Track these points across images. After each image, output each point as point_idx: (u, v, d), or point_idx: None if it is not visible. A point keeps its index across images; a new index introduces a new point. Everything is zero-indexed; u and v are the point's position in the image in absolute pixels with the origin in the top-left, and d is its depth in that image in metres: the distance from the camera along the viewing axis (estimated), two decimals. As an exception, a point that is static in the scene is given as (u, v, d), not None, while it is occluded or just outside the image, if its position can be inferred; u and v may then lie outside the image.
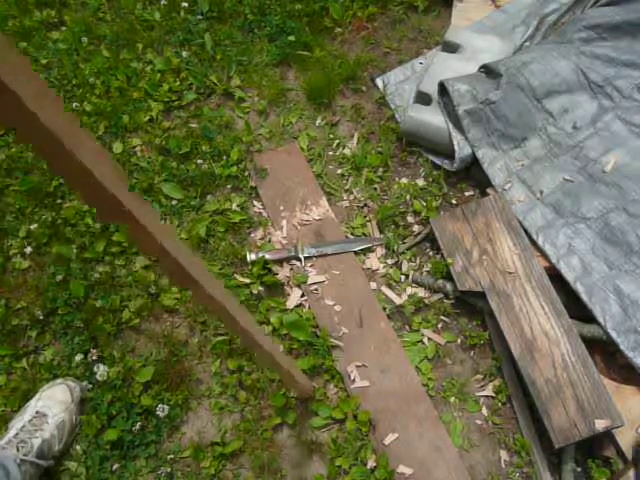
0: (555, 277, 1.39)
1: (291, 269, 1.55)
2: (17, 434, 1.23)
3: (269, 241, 1.60)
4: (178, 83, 1.88)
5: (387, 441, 1.30)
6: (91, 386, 1.38)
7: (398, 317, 1.49)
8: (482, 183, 1.62)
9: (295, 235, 1.60)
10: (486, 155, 1.60)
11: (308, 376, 1.39)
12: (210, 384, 1.41)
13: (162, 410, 1.32)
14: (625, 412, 1.22)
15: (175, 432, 1.35)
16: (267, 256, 1.52)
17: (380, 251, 1.58)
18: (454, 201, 1.64)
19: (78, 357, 1.40)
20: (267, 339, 0.85)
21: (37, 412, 1.27)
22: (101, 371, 1.35)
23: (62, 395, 1.31)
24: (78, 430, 1.34)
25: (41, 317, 1.46)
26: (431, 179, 1.68)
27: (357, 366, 1.40)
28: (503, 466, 1.30)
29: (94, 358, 1.40)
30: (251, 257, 1.52)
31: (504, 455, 1.31)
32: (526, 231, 1.47)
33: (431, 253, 1.58)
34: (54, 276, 1.51)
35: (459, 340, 1.45)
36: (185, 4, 2.07)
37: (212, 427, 1.36)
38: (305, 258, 1.54)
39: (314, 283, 1.52)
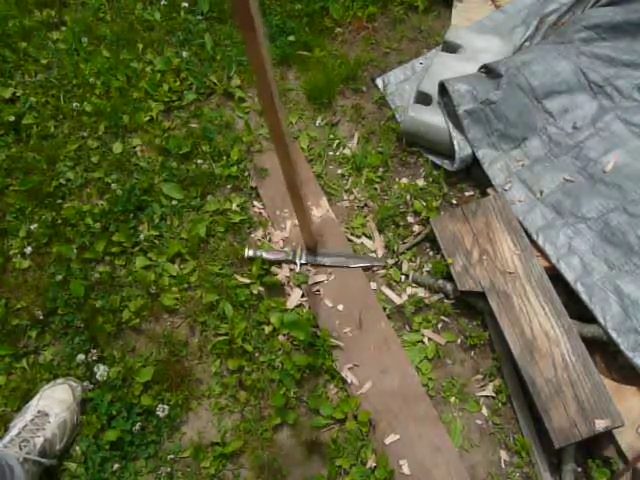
0: (555, 277, 1.39)
1: (291, 270, 1.55)
2: (19, 433, 1.23)
3: (269, 241, 1.60)
4: (178, 83, 1.88)
5: (387, 441, 1.30)
6: (91, 386, 1.38)
7: (398, 317, 1.49)
8: (482, 183, 1.62)
9: (295, 235, 1.60)
10: (486, 155, 1.60)
11: (308, 376, 1.39)
12: (210, 384, 1.41)
13: (162, 410, 1.32)
14: (625, 412, 1.22)
15: (175, 432, 1.35)
16: (265, 255, 1.52)
17: (381, 251, 1.58)
18: (454, 201, 1.64)
19: (78, 357, 1.40)
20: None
21: (39, 411, 1.27)
22: (101, 371, 1.35)
23: (64, 394, 1.31)
24: (79, 430, 1.34)
25: (41, 317, 1.46)
26: (431, 179, 1.68)
27: (357, 366, 1.40)
28: (503, 466, 1.30)
29: (94, 358, 1.40)
30: (249, 253, 1.52)
31: (504, 455, 1.31)
32: (526, 231, 1.47)
33: (431, 253, 1.58)
34: (54, 276, 1.51)
35: (459, 340, 1.45)
36: (185, 4, 2.07)
37: (212, 427, 1.36)
38: (301, 265, 1.54)
39: (314, 283, 1.52)
